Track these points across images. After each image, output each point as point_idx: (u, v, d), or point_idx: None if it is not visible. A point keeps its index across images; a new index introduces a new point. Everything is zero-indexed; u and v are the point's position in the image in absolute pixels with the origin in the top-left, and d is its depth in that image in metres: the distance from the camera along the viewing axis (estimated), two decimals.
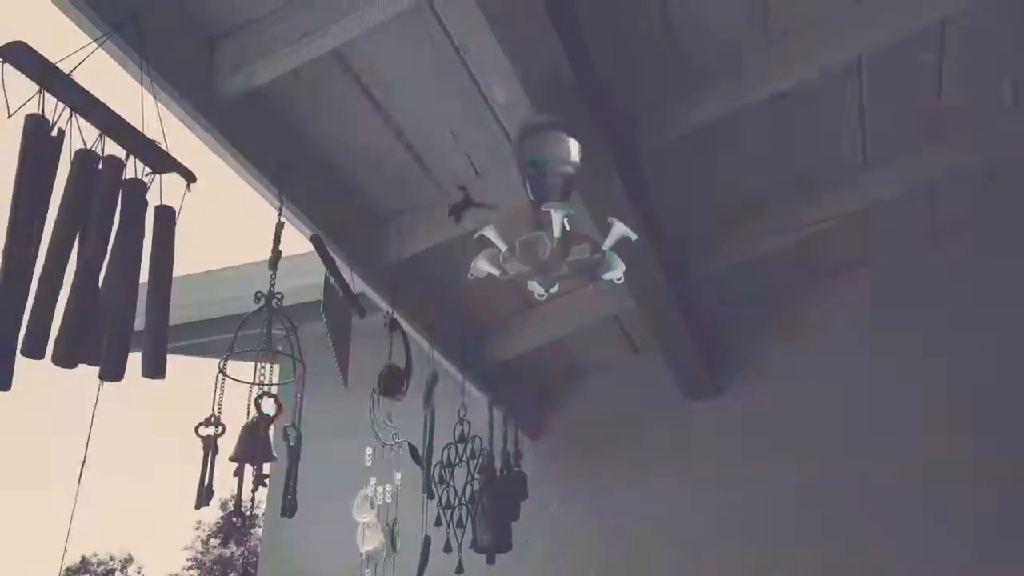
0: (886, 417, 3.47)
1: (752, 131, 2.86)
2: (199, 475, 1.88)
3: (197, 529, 20.61)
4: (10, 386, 1.41)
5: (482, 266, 1.94)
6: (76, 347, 1.53)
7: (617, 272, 1.95)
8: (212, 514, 19.98)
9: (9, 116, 1.49)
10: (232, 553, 19.99)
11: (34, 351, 1.46)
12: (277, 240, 2.19)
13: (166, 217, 1.75)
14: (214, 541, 20.32)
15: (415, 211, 2.73)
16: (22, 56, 1.53)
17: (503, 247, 1.90)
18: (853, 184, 3.19)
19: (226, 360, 2.00)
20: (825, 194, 3.20)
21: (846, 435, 3.49)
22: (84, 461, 1.53)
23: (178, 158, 1.82)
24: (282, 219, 2.24)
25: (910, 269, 3.63)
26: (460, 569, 2.80)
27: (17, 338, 1.44)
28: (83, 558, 19.94)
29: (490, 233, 1.89)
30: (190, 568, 20.32)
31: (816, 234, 3.27)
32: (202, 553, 20.37)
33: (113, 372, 1.59)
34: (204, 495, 1.81)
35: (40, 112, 1.54)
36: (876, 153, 3.10)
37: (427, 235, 2.74)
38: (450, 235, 2.71)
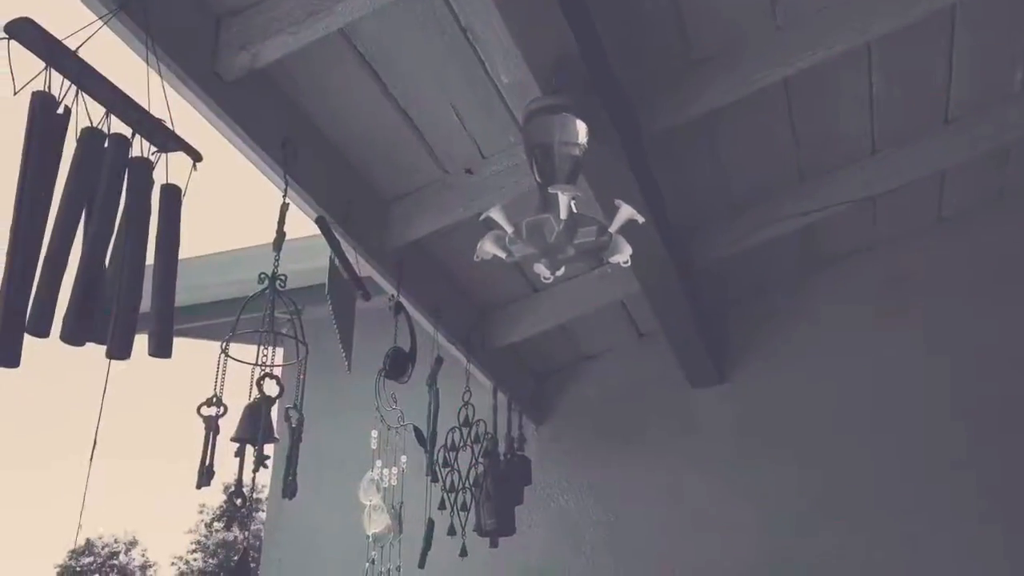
0: (890, 406, 3.47)
1: (760, 116, 2.85)
2: (200, 455, 1.88)
3: (201, 512, 20.75)
4: (18, 363, 1.41)
5: (488, 248, 1.93)
6: (83, 325, 1.53)
7: (624, 255, 1.94)
8: (216, 497, 20.09)
9: (16, 93, 1.49)
10: (235, 536, 20.09)
11: (40, 329, 1.46)
12: (281, 221, 2.18)
13: (172, 196, 1.75)
14: (217, 524, 20.43)
15: (421, 193, 2.73)
16: (28, 33, 1.53)
17: (509, 229, 1.89)
18: (861, 171, 3.18)
19: (228, 341, 1.99)
20: (832, 181, 3.19)
21: (850, 423, 3.49)
22: (95, 442, 1.53)
23: (184, 137, 1.81)
24: (287, 200, 2.23)
25: (917, 257, 3.62)
26: (464, 552, 2.81)
27: (24, 316, 1.44)
28: (88, 540, 20.06)
29: (496, 215, 1.88)
30: (194, 551, 20.44)
31: (822, 221, 3.26)
32: (206, 536, 20.47)
33: (120, 351, 1.59)
34: (205, 475, 1.81)
35: (46, 89, 1.53)
36: (884, 140, 3.09)
37: (433, 218, 2.73)
38: (456, 218, 2.70)
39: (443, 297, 3.06)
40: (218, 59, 2.03)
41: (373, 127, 2.52)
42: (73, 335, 1.53)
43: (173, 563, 20.28)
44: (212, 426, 1.82)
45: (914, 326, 3.54)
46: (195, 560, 20.14)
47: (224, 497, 19.72)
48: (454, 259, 3.03)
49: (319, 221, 2.39)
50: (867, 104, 2.92)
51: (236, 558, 1.97)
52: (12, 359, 1.41)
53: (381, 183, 2.70)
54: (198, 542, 20.23)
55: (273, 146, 2.22)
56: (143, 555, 21.05)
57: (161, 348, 1.70)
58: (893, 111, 2.97)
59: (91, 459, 1.52)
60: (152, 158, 1.74)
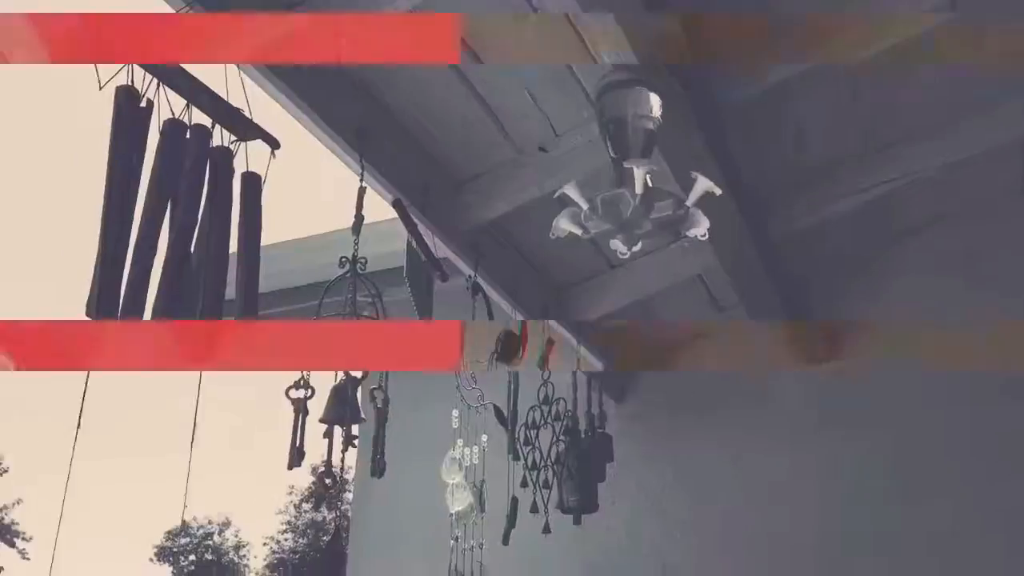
0: (975, 377, 3.35)
1: (838, 83, 2.77)
2: (290, 437, 1.93)
3: (290, 494, 21.27)
4: None
5: (564, 225, 1.93)
6: (172, 313, 1.57)
7: (701, 228, 1.92)
8: (304, 479, 20.59)
9: (101, 88, 1.53)
10: (324, 517, 20.57)
11: (133, 317, 1.51)
12: (359, 205, 2.22)
13: (253, 183, 1.79)
14: (306, 505, 20.93)
15: (495, 173, 2.73)
16: None
17: (584, 205, 1.88)
18: (945, 137, 3.06)
19: None
20: (914, 147, 3.09)
21: (934, 394, 3.39)
22: (195, 426, 1.58)
23: (261, 126, 1.84)
24: (363, 184, 2.26)
25: (1002, 225, 3.49)
26: (547, 529, 2.82)
27: (118, 305, 1.49)
28: (184, 522, 20.77)
29: (571, 191, 1.88)
30: (284, 531, 20.98)
31: (904, 189, 3.16)
32: (295, 517, 21.00)
33: None
34: (295, 456, 1.86)
35: (130, 83, 1.57)
36: (968, 103, 2.98)
37: (508, 197, 2.74)
38: (531, 196, 2.70)
39: (520, 276, 3.07)
40: None
41: (446, 108, 2.53)
42: (163, 317, 1.58)
43: (265, 543, 20.89)
44: (301, 408, 1.86)
45: (999, 296, 3.41)
46: (286, 540, 20.68)
47: (313, 478, 20.22)
48: (530, 237, 3.03)
49: (396, 204, 2.41)
50: (947, 69, 2.82)
51: (328, 538, 2.01)
52: None
53: (456, 164, 2.71)
54: (288, 522, 20.77)
55: (348, 131, 2.25)
56: (236, 535, 21.73)
57: None
58: (979, 73, 2.85)
59: (191, 443, 1.57)
60: (232, 147, 1.78)
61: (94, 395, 1.46)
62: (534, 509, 2.84)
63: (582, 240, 2.01)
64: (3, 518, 17.90)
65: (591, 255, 3.23)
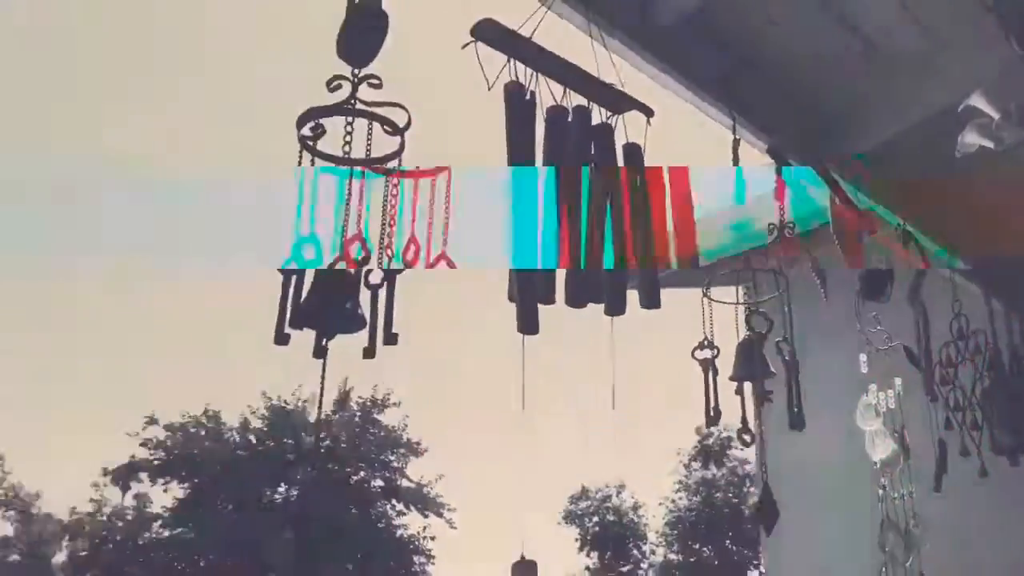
0: None
1: None
2: (704, 397, 1.94)
3: (677, 455, 21.63)
4: (538, 330, 1.56)
5: (972, 140, 1.76)
6: (582, 290, 1.64)
7: None
8: (689, 439, 20.85)
9: (490, 88, 1.63)
10: (713, 474, 20.67)
11: (549, 298, 1.60)
12: (735, 158, 2.18)
13: (635, 153, 1.81)
14: (695, 464, 21.17)
15: (868, 104, 2.54)
16: (490, 32, 1.67)
17: (996, 114, 1.69)
18: None
19: (708, 285, 2.05)
20: None
21: None
22: (613, 393, 1.65)
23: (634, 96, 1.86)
24: (736, 136, 2.21)
25: None
26: (984, 472, 2.60)
27: (535, 288, 1.58)
28: (583, 487, 21.91)
29: (978, 102, 1.70)
30: (678, 491, 21.39)
31: None
32: (686, 476, 21.33)
33: (616, 307, 1.69)
34: (713, 415, 1.87)
35: (514, 79, 1.66)
36: None
37: (885, 125, 2.54)
38: (912, 121, 2.48)
39: (920, 207, 2.82)
40: (651, 12, 2.05)
41: (809, 41, 2.39)
42: (575, 298, 1.66)
43: (660, 503, 21.41)
44: (709, 367, 1.87)
45: None
46: (680, 499, 21.05)
47: (698, 437, 20.38)
48: (926, 161, 2.77)
49: (770, 150, 2.33)
50: None
51: (756, 500, 2.02)
52: (532, 327, 1.56)
53: (826, 100, 2.56)
54: (680, 482, 21.11)
55: (714, 84, 2.20)
56: (632, 497, 22.48)
57: (651, 300, 1.78)
58: None
59: (613, 404, 1.63)
60: (610, 121, 1.82)
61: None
62: (964, 452, 2.63)
63: (994, 151, 1.80)
64: (429, 492, 19.93)
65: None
